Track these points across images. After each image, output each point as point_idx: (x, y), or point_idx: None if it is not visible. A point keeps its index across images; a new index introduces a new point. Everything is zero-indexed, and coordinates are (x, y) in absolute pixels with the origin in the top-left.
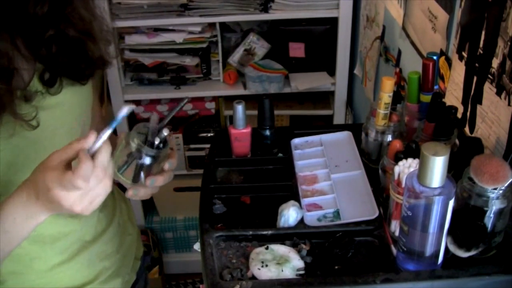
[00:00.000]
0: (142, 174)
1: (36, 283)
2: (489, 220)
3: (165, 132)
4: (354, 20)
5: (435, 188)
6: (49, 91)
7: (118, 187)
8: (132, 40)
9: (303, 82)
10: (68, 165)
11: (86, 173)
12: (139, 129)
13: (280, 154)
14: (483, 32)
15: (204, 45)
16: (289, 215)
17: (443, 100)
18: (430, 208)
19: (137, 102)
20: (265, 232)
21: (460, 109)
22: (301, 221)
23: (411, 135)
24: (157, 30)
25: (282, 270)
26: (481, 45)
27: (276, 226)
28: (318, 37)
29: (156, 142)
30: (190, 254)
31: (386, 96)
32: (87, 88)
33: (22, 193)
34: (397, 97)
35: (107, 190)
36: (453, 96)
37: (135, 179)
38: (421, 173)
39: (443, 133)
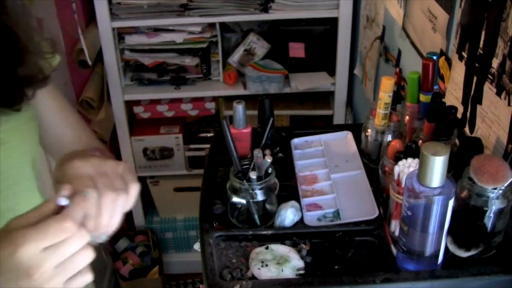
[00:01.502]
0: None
1: None
2: (489, 220)
3: (269, 160)
4: (354, 20)
5: (435, 188)
6: None
7: None
8: (132, 40)
9: (303, 82)
10: None
11: (77, 214)
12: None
13: (280, 154)
14: (483, 32)
15: (204, 45)
16: (286, 216)
17: (443, 100)
18: (430, 208)
19: (137, 102)
20: (265, 232)
21: (460, 109)
22: (301, 221)
23: (411, 135)
24: (157, 30)
25: (282, 270)
26: (481, 45)
27: (273, 225)
28: (318, 37)
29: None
30: (190, 254)
31: (386, 96)
32: (29, 117)
33: None
34: (397, 97)
35: (88, 259)
36: (453, 96)
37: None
38: (421, 173)
39: (443, 133)
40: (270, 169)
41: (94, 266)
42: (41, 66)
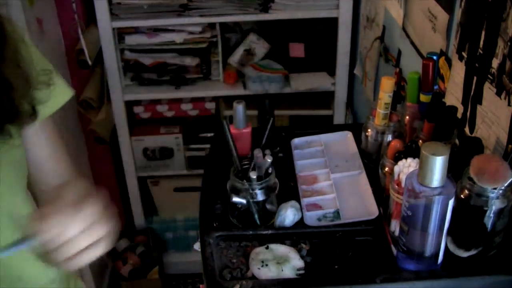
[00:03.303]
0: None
1: None
2: (489, 220)
3: (269, 159)
4: (354, 20)
5: (435, 188)
6: None
7: None
8: (132, 40)
9: (303, 82)
10: None
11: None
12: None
13: (280, 154)
14: (483, 32)
15: (204, 45)
16: (286, 216)
17: (443, 100)
18: (430, 208)
19: (137, 102)
20: (265, 232)
21: (460, 109)
22: (301, 221)
23: (411, 135)
24: (157, 30)
25: (282, 270)
26: (481, 45)
27: (273, 225)
28: (318, 37)
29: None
30: (190, 254)
31: (386, 96)
32: (18, 150)
33: None
34: (397, 97)
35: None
36: (453, 96)
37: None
38: (421, 173)
39: (443, 133)
40: (270, 169)
41: (94, 266)
42: (30, 99)
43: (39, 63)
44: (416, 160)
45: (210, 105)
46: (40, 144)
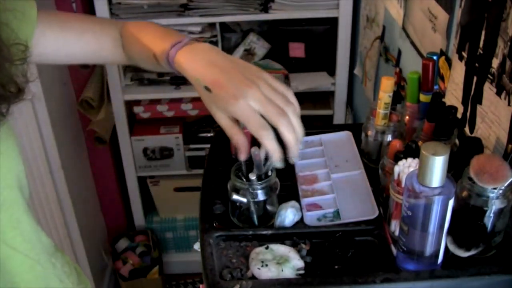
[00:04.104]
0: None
1: None
2: (489, 220)
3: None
4: (354, 20)
5: (435, 188)
6: None
7: None
8: None
9: (303, 82)
10: None
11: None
12: (235, 171)
13: None
14: (483, 32)
15: None
16: (286, 216)
17: (443, 100)
18: (430, 208)
19: (137, 102)
20: (265, 232)
21: (460, 109)
22: (301, 221)
23: (411, 135)
24: None
25: (282, 270)
26: (481, 45)
27: (273, 225)
28: (318, 37)
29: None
30: (190, 254)
31: (386, 96)
32: (6, 135)
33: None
34: (397, 97)
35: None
36: (453, 96)
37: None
38: (421, 173)
39: (443, 133)
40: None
41: (94, 266)
42: (13, 76)
43: (11, 38)
44: (416, 160)
45: None
46: (59, 32)
